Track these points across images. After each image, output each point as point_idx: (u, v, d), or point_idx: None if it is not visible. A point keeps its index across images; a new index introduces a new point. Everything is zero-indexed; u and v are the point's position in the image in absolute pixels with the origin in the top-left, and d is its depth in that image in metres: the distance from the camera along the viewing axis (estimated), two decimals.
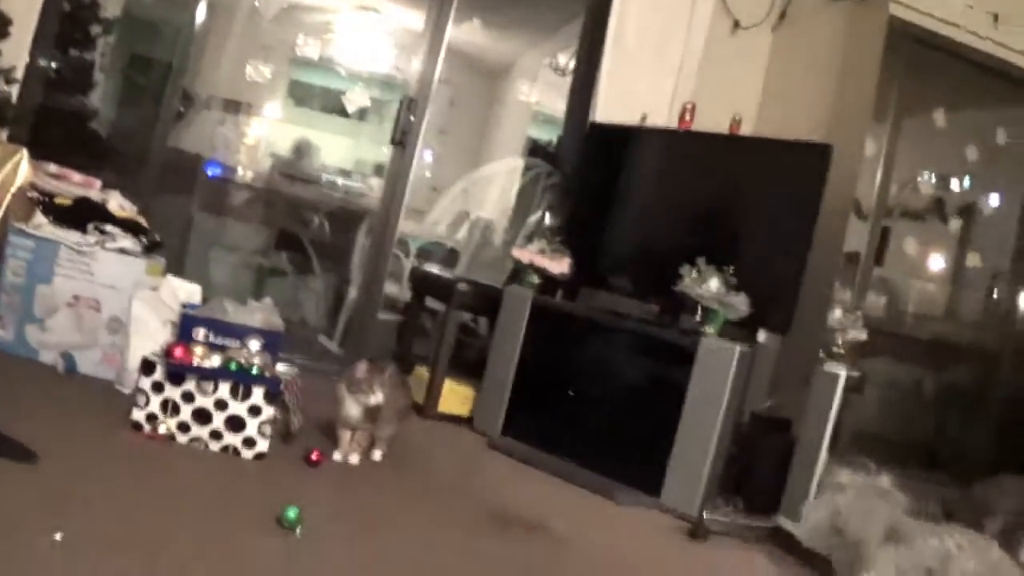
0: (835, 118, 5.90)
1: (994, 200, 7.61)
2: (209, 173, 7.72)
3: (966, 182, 7.50)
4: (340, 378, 4.17)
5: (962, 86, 7.18)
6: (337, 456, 4.17)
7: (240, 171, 8.09)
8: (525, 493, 4.54)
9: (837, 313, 5.33)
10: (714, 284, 4.85)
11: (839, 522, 2.57)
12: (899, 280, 7.62)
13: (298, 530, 3.13)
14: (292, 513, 3.15)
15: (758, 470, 4.97)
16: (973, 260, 7.71)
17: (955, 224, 7.49)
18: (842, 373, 4.88)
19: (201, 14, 6.26)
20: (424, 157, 8.55)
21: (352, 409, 4.10)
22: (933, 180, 7.39)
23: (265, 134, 8.46)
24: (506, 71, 9.48)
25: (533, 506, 4.32)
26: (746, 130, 5.96)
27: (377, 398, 4.06)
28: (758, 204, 5.34)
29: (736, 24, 6.57)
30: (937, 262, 7.77)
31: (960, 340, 7.86)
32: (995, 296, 7.72)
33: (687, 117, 5.83)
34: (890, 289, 7.59)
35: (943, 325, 7.94)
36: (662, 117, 6.14)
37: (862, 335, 5.50)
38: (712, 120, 5.76)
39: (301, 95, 8.94)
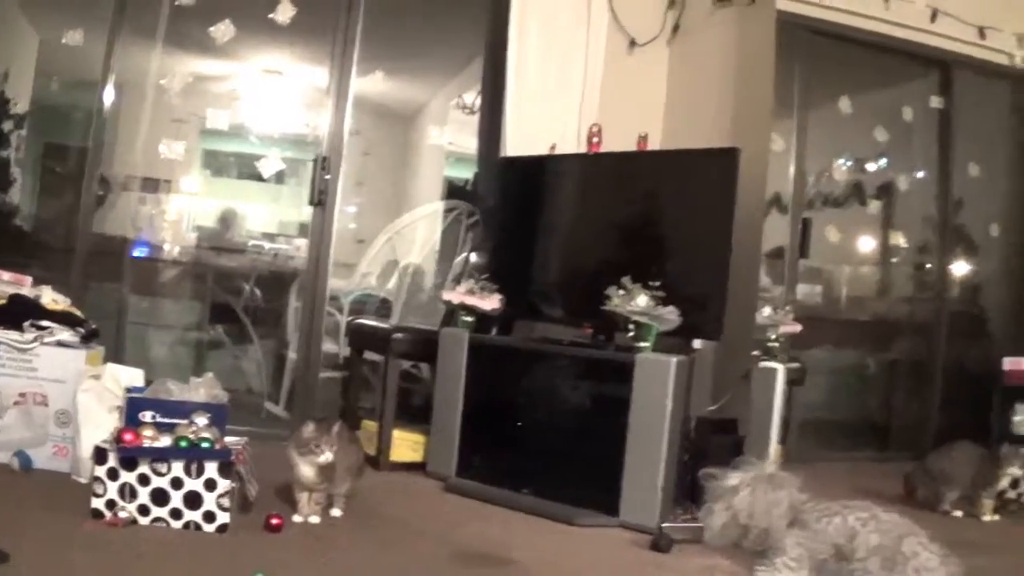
0: (738, 120, 6.00)
1: (910, 177, 7.75)
2: (136, 254, 7.71)
3: (882, 163, 7.62)
4: (290, 441, 4.21)
5: (863, 69, 7.32)
6: (297, 518, 4.20)
7: (166, 248, 8.09)
8: (486, 530, 4.57)
9: (766, 311, 5.44)
10: (642, 300, 4.91)
11: (743, 519, 2.63)
12: (830, 268, 7.74)
13: None
14: None
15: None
16: (897, 238, 7.84)
17: (876, 205, 7.61)
18: (779, 368, 4.96)
19: (109, 96, 6.27)
20: (347, 210, 8.58)
21: (305, 470, 4.14)
22: (849, 165, 7.52)
23: (186, 208, 8.47)
24: (416, 116, 9.54)
25: (495, 541, 4.37)
26: (654, 144, 6.06)
27: (327, 457, 4.11)
28: (675, 216, 5.43)
29: (632, 43, 6.68)
30: (864, 245, 7.90)
31: (896, 318, 7.99)
32: (925, 269, 7.85)
33: (594, 140, 5.92)
34: (822, 278, 7.70)
35: (878, 305, 8.07)
36: (571, 143, 6.23)
37: (795, 328, 5.60)
38: (619, 140, 5.86)
39: (217, 165, 8.96)
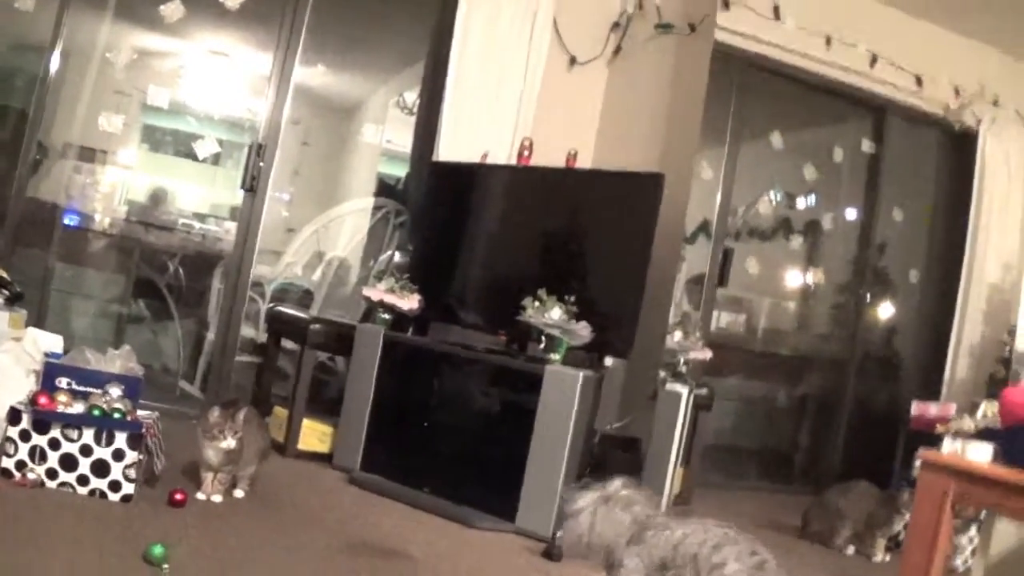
0: (668, 146, 6.09)
1: (835, 216, 7.86)
2: (66, 222, 7.68)
3: (811, 200, 7.73)
4: (199, 422, 4.28)
5: (797, 107, 7.44)
6: (200, 496, 4.27)
7: (97, 219, 8.07)
8: (383, 524, 4.64)
9: (677, 335, 5.53)
10: (556, 313, 5.00)
11: (586, 538, 2.73)
12: (750, 298, 7.84)
13: (165, 567, 3.24)
14: (157, 550, 3.27)
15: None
16: (818, 275, 7.95)
17: (798, 241, 7.71)
18: (684, 391, 5.06)
19: (55, 63, 6.26)
20: (282, 197, 8.60)
21: (210, 453, 4.22)
22: (777, 199, 7.62)
23: (121, 181, 8.44)
24: (356, 110, 9.56)
25: (391, 536, 4.45)
26: (585, 162, 6.14)
27: (229, 443, 4.19)
28: (596, 233, 5.52)
29: (573, 60, 6.75)
30: (785, 279, 8.01)
31: (810, 353, 8.10)
32: (842, 308, 7.97)
33: (525, 152, 5.99)
34: (742, 307, 7.81)
35: (793, 339, 8.17)
36: (503, 153, 6.30)
37: (705, 354, 5.71)
38: (550, 154, 5.93)
39: (155, 141, 8.93)
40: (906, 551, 3.24)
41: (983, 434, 3.18)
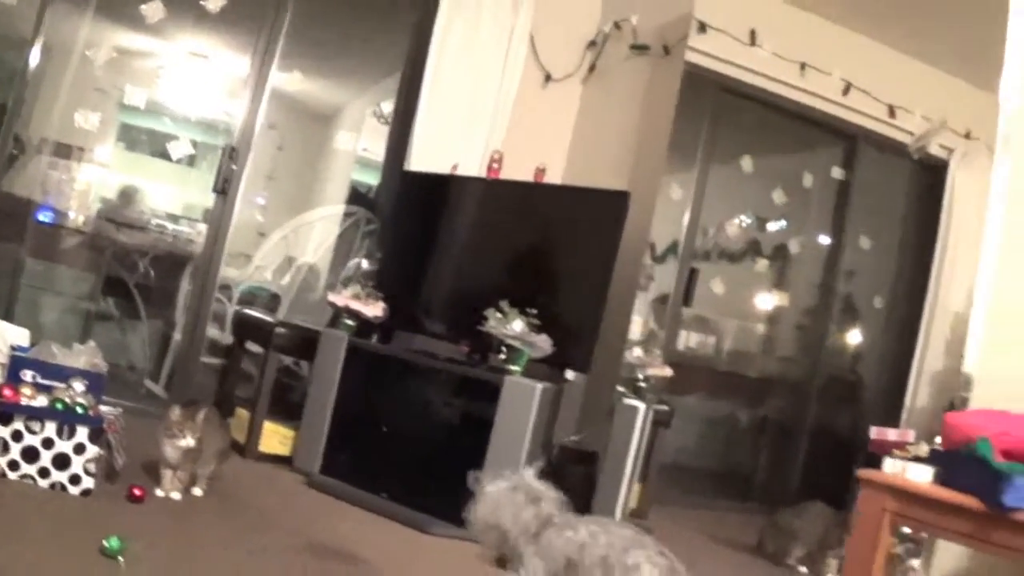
0: (637, 165, 6.15)
1: (803, 241, 7.91)
2: (40, 218, 7.68)
3: (781, 224, 7.79)
4: (161, 420, 4.32)
5: (769, 132, 7.49)
6: (159, 492, 4.32)
7: (71, 216, 8.07)
8: (340, 527, 4.69)
9: (637, 351, 5.59)
10: (518, 325, 5.06)
11: (491, 522, 2.77)
12: (715, 319, 7.90)
13: (121, 560, 3.30)
14: (115, 543, 3.33)
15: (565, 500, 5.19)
16: (784, 299, 8.01)
17: (764, 264, 7.76)
18: (641, 407, 5.12)
19: (35, 57, 6.29)
20: (256, 201, 8.63)
21: (169, 451, 4.27)
22: (749, 223, 7.68)
23: (95, 179, 8.45)
24: (333, 118, 9.59)
25: (347, 539, 4.49)
26: (555, 178, 6.20)
27: (188, 442, 4.24)
28: (561, 248, 5.60)
29: (548, 77, 6.80)
30: (751, 301, 8.06)
31: (773, 375, 8.16)
32: (806, 332, 8.02)
33: (495, 166, 6.05)
34: (708, 328, 7.86)
35: (756, 361, 8.23)
36: (473, 165, 6.36)
37: (665, 371, 5.76)
38: (521, 169, 5.99)
39: (131, 140, 8.94)
40: (846, 567, 3.30)
41: (928, 457, 3.24)
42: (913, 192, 8.02)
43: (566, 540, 2.63)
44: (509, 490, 2.80)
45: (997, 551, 2.89)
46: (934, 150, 7.57)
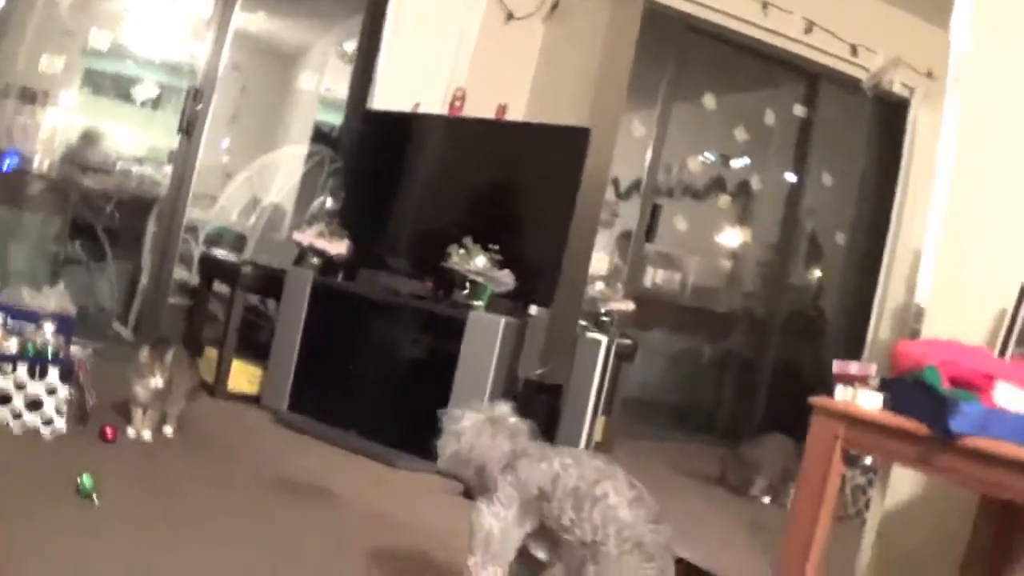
0: (597, 102, 6.18)
1: (766, 178, 7.96)
2: (6, 164, 7.66)
3: (745, 161, 7.84)
4: (130, 362, 4.38)
5: (731, 70, 7.53)
6: (131, 432, 4.38)
7: (36, 161, 8.04)
8: (308, 462, 4.78)
9: (599, 286, 5.66)
10: (480, 261, 5.13)
11: (464, 453, 2.84)
12: (679, 255, 7.96)
13: (95, 496, 3.37)
14: (88, 481, 3.40)
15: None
16: (747, 235, 8.08)
17: (726, 201, 7.82)
18: (604, 340, 5.18)
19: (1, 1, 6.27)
20: (221, 143, 8.63)
21: (139, 391, 4.33)
22: (711, 159, 7.74)
23: (60, 124, 8.42)
24: (297, 58, 9.57)
25: (315, 473, 4.58)
26: (517, 115, 6.23)
27: (157, 381, 4.30)
28: (523, 185, 5.65)
29: (510, 15, 6.80)
30: (714, 237, 8.12)
31: (736, 310, 8.24)
32: (769, 267, 8.09)
33: (457, 103, 6.09)
34: (673, 264, 7.93)
35: (720, 296, 8.30)
36: (436, 103, 6.38)
37: (627, 305, 5.83)
38: (483, 107, 6.02)
39: (96, 84, 8.89)
40: (796, 494, 3.37)
41: (879, 385, 3.31)
42: (875, 130, 8.07)
43: (540, 472, 2.70)
44: (483, 423, 2.87)
45: (944, 475, 2.97)
46: (896, 89, 7.62)
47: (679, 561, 2.70)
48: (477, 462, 2.83)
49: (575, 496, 2.62)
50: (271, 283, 5.94)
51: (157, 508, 3.57)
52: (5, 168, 7.53)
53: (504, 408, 2.93)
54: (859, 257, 8.06)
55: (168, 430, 4.57)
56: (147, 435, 4.41)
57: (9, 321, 4.25)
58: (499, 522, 2.75)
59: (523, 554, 2.78)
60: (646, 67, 6.35)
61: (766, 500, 5.78)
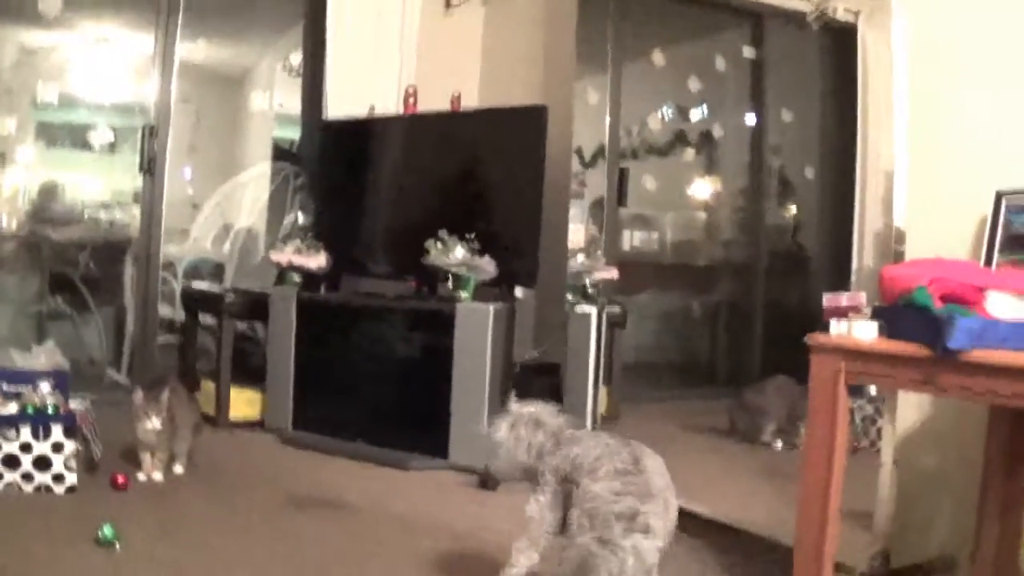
0: (548, 77, 6.19)
1: (724, 124, 7.96)
2: None
3: (704, 110, 7.84)
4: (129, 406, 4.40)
5: (674, 22, 7.52)
6: (141, 476, 4.40)
7: (3, 222, 8.03)
8: (321, 477, 4.79)
9: (580, 258, 5.67)
10: (459, 252, 5.14)
11: (509, 459, 2.94)
12: (653, 215, 7.96)
13: (117, 545, 3.39)
14: (108, 530, 3.42)
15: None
16: (716, 184, 8.08)
17: (691, 153, 7.81)
18: (594, 312, 5.20)
19: None
20: (184, 175, 8.61)
21: (142, 434, 4.35)
22: (669, 115, 7.73)
23: (21, 181, 8.40)
24: (244, 79, 9.54)
25: (330, 487, 4.60)
26: (472, 103, 6.23)
27: (154, 423, 4.31)
28: (489, 171, 5.67)
29: (448, 3, 6.80)
30: (684, 191, 8.12)
31: (718, 261, 8.24)
32: (744, 212, 8.09)
33: (411, 101, 6.09)
34: (648, 225, 7.93)
35: (700, 250, 8.30)
36: (390, 103, 6.39)
37: (611, 273, 5.84)
38: (437, 100, 6.02)
39: (50, 136, 8.88)
40: (808, 434, 3.39)
41: (872, 314, 3.33)
42: (827, 59, 8.03)
43: (563, 457, 2.81)
44: (510, 429, 2.95)
45: (950, 393, 2.99)
46: (840, 15, 7.61)
47: (695, 517, 2.79)
48: (520, 463, 2.92)
49: (580, 472, 2.73)
50: (256, 307, 5.96)
51: (180, 545, 3.59)
52: None
53: (518, 406, 3.00)
54: (831, 188, 8.02)
55: (179, 468, 4.58)
56: (158, 476, 4.43)
57: (5, 386, 4.26)
58: (538, 508, 2.89)
59: None
60: (589, 33, 6.33)
61: (778, 445, 5.78)
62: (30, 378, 4.31)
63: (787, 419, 5.74)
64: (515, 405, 3.04)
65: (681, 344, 8.23)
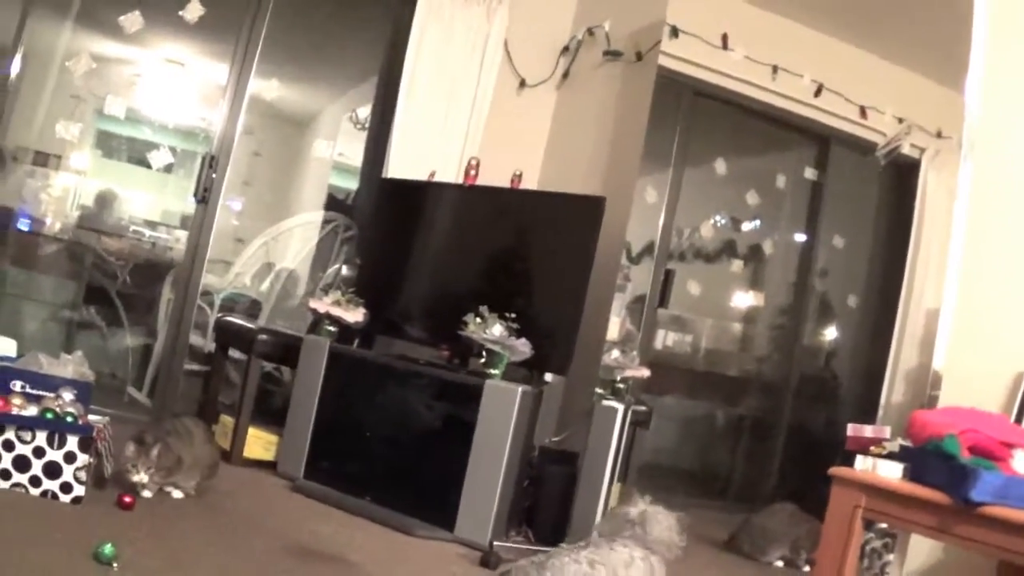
0: (611, 170, 6.23)
1: (775, 241, 7.96)
2: (19, 226, 7.71)
3: (756, 224, 7.84)
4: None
5: (741, 134, 7.54)
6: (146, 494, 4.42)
7: (48, 223, 8.10)
8: (325, 530, 4.76)
9: (615, 353, 5.67)
10: (497, 329, 5.15)
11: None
12: (692, 319, 7.95)
13: (114, 565, 3.38)
14: (107, 549, 3.40)
15: (546, 501, 5.29)
16: (760, 298, 8.06)
17: (739, 264, 7.81)
18: (620, 408, 5.18)
19: (16, 67, 6.33)
20: (232, 207, 8.67)
21: (136, 480, 4.37)
22: (722, 223, 7.74)
23: (73, 186, 8.48)
24: (309, 124, 9.63)
25: (332, 542, 4.57)
26: (530, 183, 6.27)
27: (141, 478, 4.33)
28: (539, 253, 5.70)
29: (523, 83, 6.87)
30: (727, 301, 8.11)
31: (749, 374, 8.21)
32: (782, 330, 8.07)
33: (472, 172, 6.12)
34: (685, 328, 7.92)
35: (733, 360, 8.28)
36: (451, 172, 6.44)
37: (642, 372, 5.84)
38: (497, 175, 6.06)
39: (109, 148, 8.95)
40: (818, 563, 3.37)
41: (898, 455, 3.32)
42: (886, 191, 8.04)
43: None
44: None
45: (964, 544, 2.97)
46: (906, 150, 7.62)
47: None
48: None
49: None
50: (287, 350, 5.95)
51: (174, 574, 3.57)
52: (21, 226, 7.57)
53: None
54: (872, 319, 8.02)
55: (176, 494, 4.59)
56: (148, 494, 4.44)
57: (28, 388, 4.27)
58: None
59: None
60: (657, 132, 6.36)
61: (780, 564, 5.75)
62: (54, 385, 4.32)
63: (792, 547, 5.70)
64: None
65: (700, 452, 8.20)
